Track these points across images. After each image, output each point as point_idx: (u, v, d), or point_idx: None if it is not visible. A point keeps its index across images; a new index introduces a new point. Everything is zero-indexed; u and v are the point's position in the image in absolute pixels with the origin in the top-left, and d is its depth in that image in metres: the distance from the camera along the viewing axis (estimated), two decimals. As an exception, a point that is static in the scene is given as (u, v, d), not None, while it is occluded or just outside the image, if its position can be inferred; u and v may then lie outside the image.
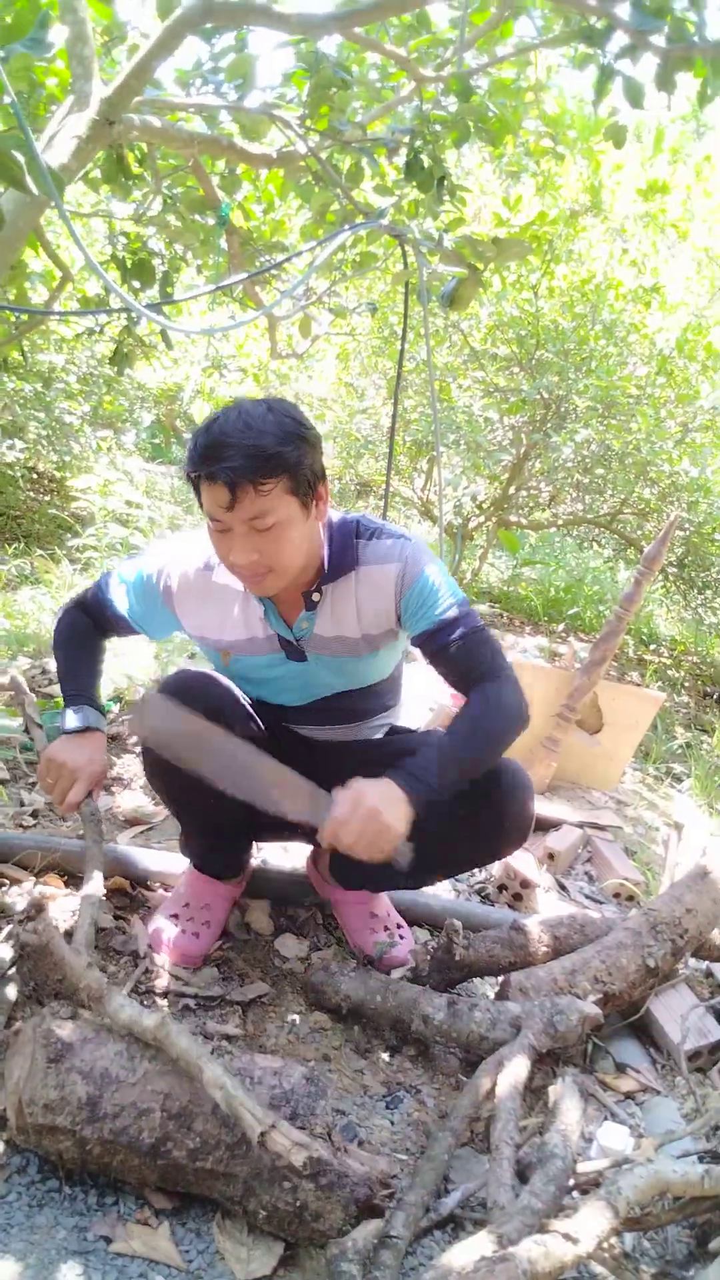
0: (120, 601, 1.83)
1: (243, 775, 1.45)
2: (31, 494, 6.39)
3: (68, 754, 1.72)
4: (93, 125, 2.05)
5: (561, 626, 6.49)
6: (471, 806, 1.67)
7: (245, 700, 1.83)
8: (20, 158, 1.47)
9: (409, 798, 1.48)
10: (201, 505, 1.53)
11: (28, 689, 2.43)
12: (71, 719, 1.78)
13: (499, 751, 1.63)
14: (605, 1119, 1.66)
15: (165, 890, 2.05)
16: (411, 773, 1.51)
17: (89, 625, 1.90)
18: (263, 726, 1.85)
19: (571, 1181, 1.38)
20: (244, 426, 1.46)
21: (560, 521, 6.76)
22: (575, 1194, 1.40)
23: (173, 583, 1.76)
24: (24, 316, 3.35)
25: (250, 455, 1.44)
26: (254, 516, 1.48)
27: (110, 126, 2.09)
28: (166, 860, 2.06)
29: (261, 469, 1.45)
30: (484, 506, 6.15)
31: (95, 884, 1.69)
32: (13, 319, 3.39)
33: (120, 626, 1.88)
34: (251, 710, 1.83)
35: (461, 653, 1.65)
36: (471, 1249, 1.18)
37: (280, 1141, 1.17)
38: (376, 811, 1.43)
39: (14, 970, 1.65)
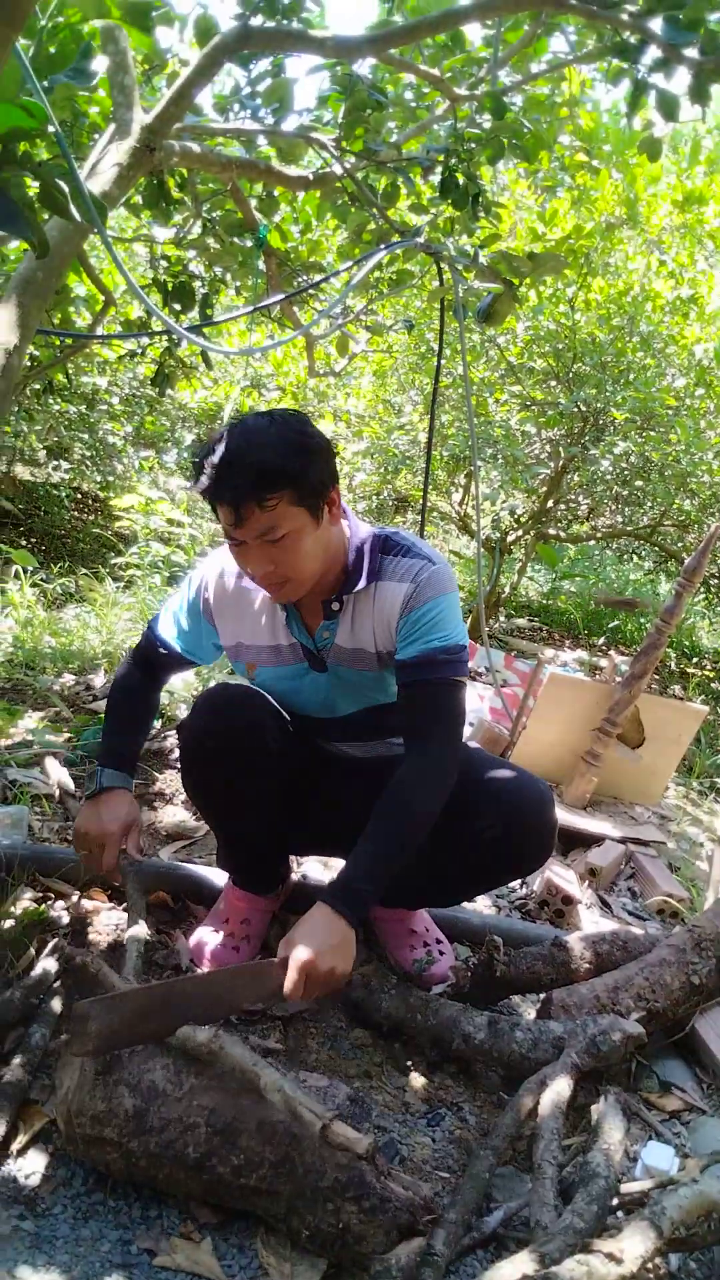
0: (170, 636, 1.86)
1: (196, 1006, 1.45)
2: (76, 513, 6.50)
3: (90, 823, 1.76)
4: (134, 153, 2.09)
5: (602, 640, 6.45)
6: (491, 822, 1.68)
7: (283, 716, 1.84)
8: (65, 186, 1.50)
9: (351, 924, 1.49)
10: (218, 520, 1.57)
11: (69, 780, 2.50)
12: (92, 784, 1.82)
13: (424, 832, 1.61)
14: (650, 1138, 1.64)
15: (207, 904, 2.06)
16: (349, 893, 1.51)
17: (139, 680, 1.92)
18: (297, 745, 1.86)
19: (615, 1201, 1.36)
20: (245, 444, 1.49)
21: (599, 534, 6.72)
22: (619, 1214, 1.38)
23: (209, 594, 1.79)
24: (68, 340, 3.41)
25: (252, 473, 1.47)
26: (263, 532, 1.51)
27: (151, 153, 2.13)
28: (207, 875, 2.08)
29: (264, 485, 1.47)
30: (522, 520, 6.14)
31: (140, 929, 1.71)
32: (58, 343, 3.46)
33: (175, 663, 1.91)
34: (288, 728, 1.84)
35: (424, 697, 1.64)
36: (514, 1268, 1.17)
37: (342, 1133, 1.18)
38: (326, 972, 1.44)
39: (59, 983, 1.67)
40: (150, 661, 1.92)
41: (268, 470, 1.47)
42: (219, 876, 2.02)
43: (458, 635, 1.65)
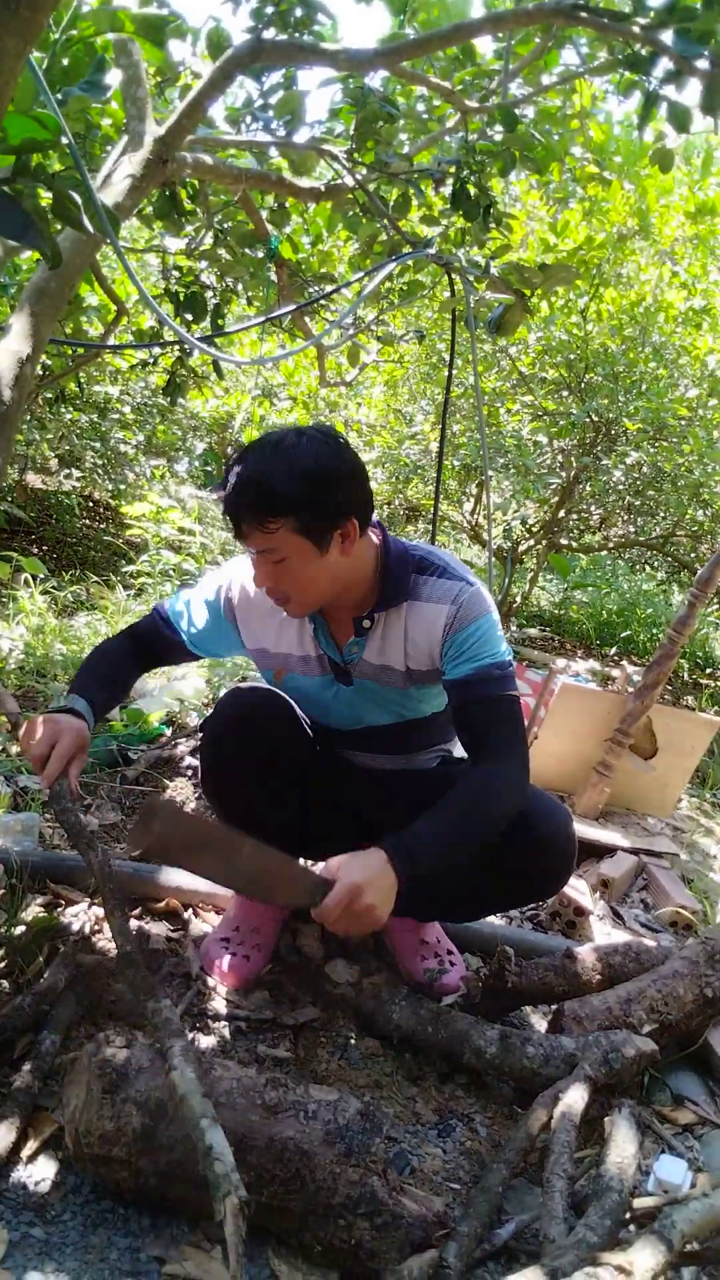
0: (179, 623, 1.85)
1: (245, 871, 1.46)
2: (87, 521, 6.52)
3: (50, 724, 1.63)
4: (147, 164, 2.11)
5: (614, 650, 6.43)
6: (513, 849, 1.66)
7: (304, 721, 1.84)
8: (77, 197, 1.51)
9: (399, 879, 1.45)
10: None
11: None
12: (56, 703, 1.71)
13: (491, 836, 1.58)
14: (662, 1151, 1.62)
15: (217, 913, 2.06)
16: (408, 849, 1.47)
17: (128, 650, 1.87)
18: (318, 752, 1.86)
19: (628, 1215, 1.35)
20: (262, 461, 1.47)
21: (611, 544, 6.71)
22: (631, 1228, 1.37)
23: (234, 594, 1.78)
24: (80, 350, 3.44)
25: (255, 494, 1.46)
26: (263, 550, 1.51)
27: (164, 165, 2.15)
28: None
29: (265, 509, 1.46)
30: (534, 530, 6.14)
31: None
32: (70, 352, 3.49)
33: (178, 650, 1.88)
34: (308, 732, 1.84)
35: (486, 714, 1.62)
36: (525, 1281, 1.16)
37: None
38: (367, 906, 1.41)
39: (69, 991, 1.66)
40: (149, 642, 1.87)
41: (271, 496, 1.46)
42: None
43: (505, 653, 1.65)
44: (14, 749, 2.66)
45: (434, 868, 1.50)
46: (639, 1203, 1.38)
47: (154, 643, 1.88)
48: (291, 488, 1.46)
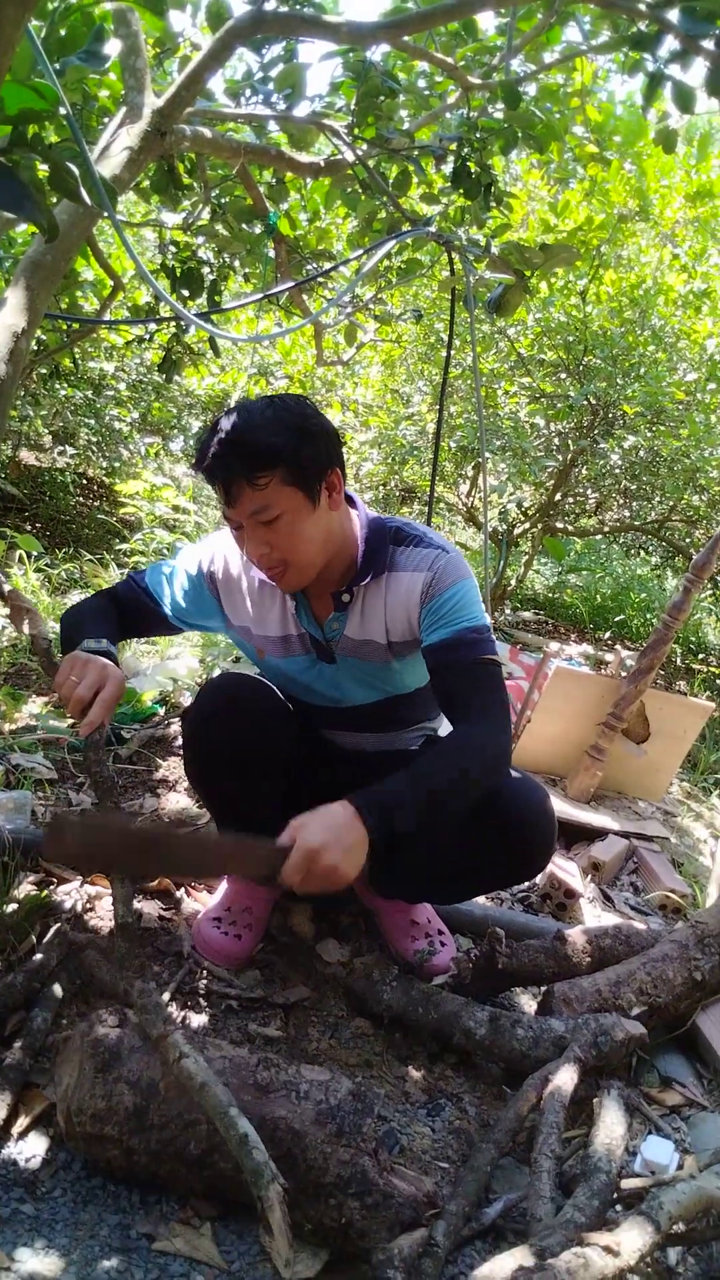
0: (160, 594, 1.83)
1: (182, 859, 1.42)
2: (81, 499, 6.48)
3: (96, 664, 1.55)
4: (145, 137, 2.08)
5: (608, 634, 6.43)
6: (491, 827, 1.65)
7: (288, 707, 1.83)
8: (74, 169, 1.49)
9: (370, 832, 1.38)
10: None
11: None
12: (89, 643, 1.61)
13: (469, 799, 1.54)
14: (649, 1132, 1.64)
15: (209, 892, 2.06)
16: (380, 804, 1.41)
17: (110, 606, 1.80)
18: (301, 735, 1.85)
19: (615, 1196, 1.36)
20: (239, 424, 1.49)
21: (607, 528, 6.70)
22: (619, 1208, 1.38)
23: (217, 568, 1.78)
24: (76, 325, 3.41)
25: (242, 451, 1.47)
26: (255, 511, 1.51)
27: (162, 138, 2.12)
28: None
29: (254, 463, 1.47)
30: (529, 513, 6.12)
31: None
32: (65, 327, 3.45)
33: (155, 622, 1.86)
34: (293, 717, 1.84)
35: (465, 675, 1.60)
36: (512, 1260, 1.17)
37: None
38: (329, 866, 1.34)
39: (59, 968, 1.67)
40: (130, 609, 1.82)
41: (259, 449, 1.47)
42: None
43: (482, 618, 1.65)
44: (6, 726, 2.65)
45: (409, 822, 1.42)
46: (626, 1183, 1.39)
47: (134, 610, 1.84)
48: (277, 439, 1.48)
